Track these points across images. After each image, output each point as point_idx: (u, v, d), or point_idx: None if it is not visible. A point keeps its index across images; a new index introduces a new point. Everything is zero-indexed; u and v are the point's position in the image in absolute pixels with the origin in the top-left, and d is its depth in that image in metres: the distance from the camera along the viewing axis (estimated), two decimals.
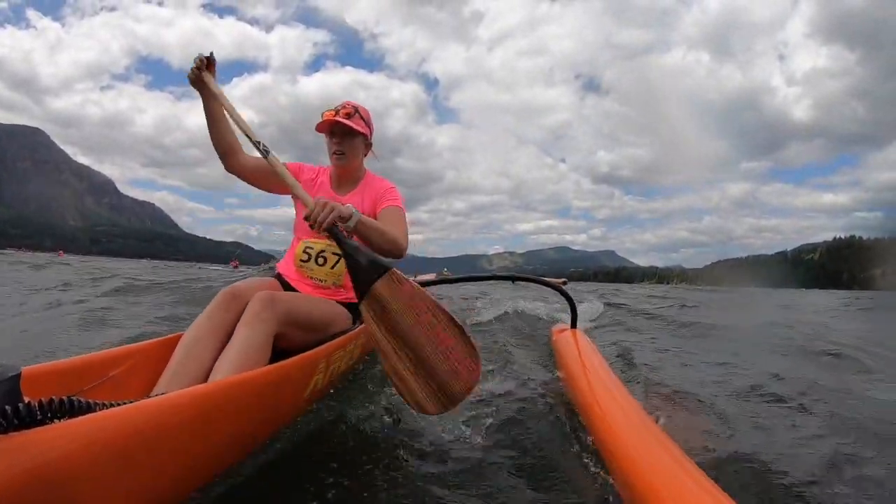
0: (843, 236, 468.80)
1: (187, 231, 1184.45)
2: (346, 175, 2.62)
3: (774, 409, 2.65)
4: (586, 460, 1.84)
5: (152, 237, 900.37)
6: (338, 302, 2.49)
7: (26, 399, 0.97)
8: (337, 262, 2.49)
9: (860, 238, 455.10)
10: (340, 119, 2.43)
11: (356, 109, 2.51)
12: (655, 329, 6.67)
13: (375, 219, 2.43)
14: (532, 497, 1.60)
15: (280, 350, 2.02)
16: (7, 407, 0.91)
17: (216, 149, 2.41)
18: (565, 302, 3.65)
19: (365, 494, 1.53)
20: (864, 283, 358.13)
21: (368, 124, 2.58)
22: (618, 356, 3.96)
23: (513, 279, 3.76)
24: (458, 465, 1.77)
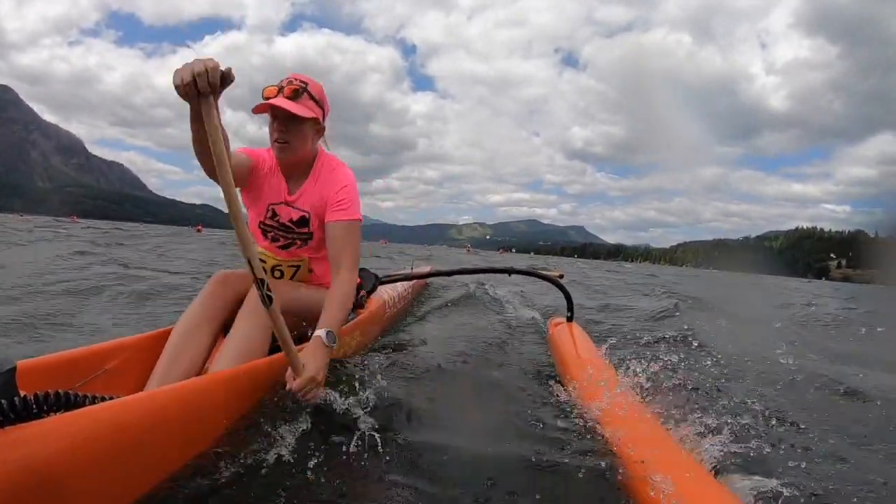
0: (805, 226, 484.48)
1: (156, 193, 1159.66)
2: (295, 166, 2.21)
3: (770, 397, 2.73)
4: (583, 451, 1.81)
5: (121, 199, 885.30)
6: None
7: (22, 393, 0.98)
8: (294, 273, 2.32)
9: (821, 230, 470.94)
10: (281, 103, 1.97)
11: (305, 86, 2.06)
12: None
13: (322, 227, 2.20)
14: (530, 490, 1.58)
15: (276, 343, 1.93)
16: (3, 401, 0.92)
17: (203, 165, 1.74)
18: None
19: (360, 486, 1.53)
20: (818, 272, 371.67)
21: (320, 104, 2.13)
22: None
23: (509, 272, 3.80)
24: (453, 459, 1.75)
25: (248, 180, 2.19)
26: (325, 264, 2.32)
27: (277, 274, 2.29)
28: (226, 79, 1.38)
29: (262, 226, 2.27)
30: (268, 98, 2.01)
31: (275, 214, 2.24)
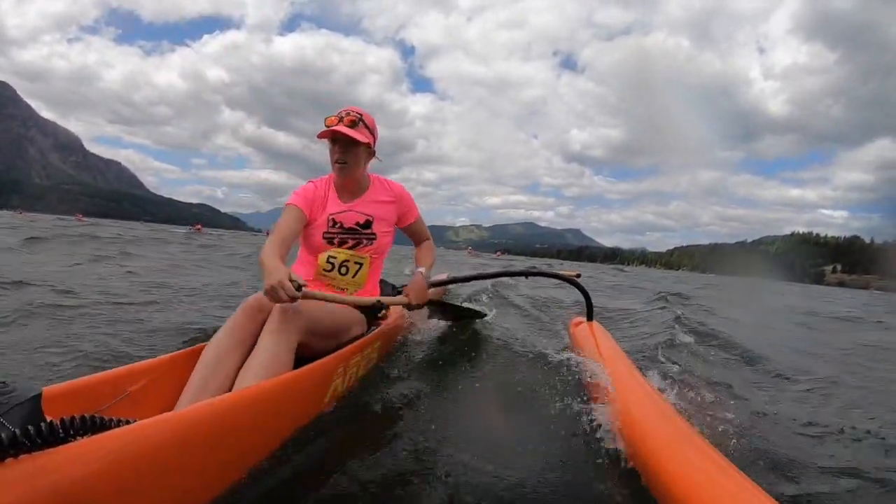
0: (802, 231, 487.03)
1: (153, 191, 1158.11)
2: (350, 184, 2.58)
3: (795, 393, 2.80)
4: (607, 450, 1.83)
5: (119, 197, 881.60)
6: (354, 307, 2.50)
7: (48, 418, 0.98)
8: (358, 270, 2.56)
9: (817, 235, 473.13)
10: (343, 129, 2.36)
11: (360, 117, 2.44)
12: None
13: (403, 227, 2.81)
14: (552, 490, 1.60)
15: (299, 356, 2.05)
16: (30, 427, 0.92)
17: None
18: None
19: (382, 494, 1.53)
20: (814, 277, 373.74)
21: (373, 132, 2.52)
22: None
23: (526, 274, 3.85)
24: (474, 461, 1.76)
25: (306, 224, 2.55)
26: (377, 272, 2.76)
27: (344, 270, 2.57)
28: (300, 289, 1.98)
29: (326, 236, 2.55)
30: (330, 126, 2.39)
31: (335, 223, 2.56)
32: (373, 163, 2.66)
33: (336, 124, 2.38)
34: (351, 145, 2.43)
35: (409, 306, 2.68)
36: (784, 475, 1.84)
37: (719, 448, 1.46)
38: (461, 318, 3.88)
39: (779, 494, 1.34)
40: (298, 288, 1.96)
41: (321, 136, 2.43)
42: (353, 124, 2.40)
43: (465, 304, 4.36)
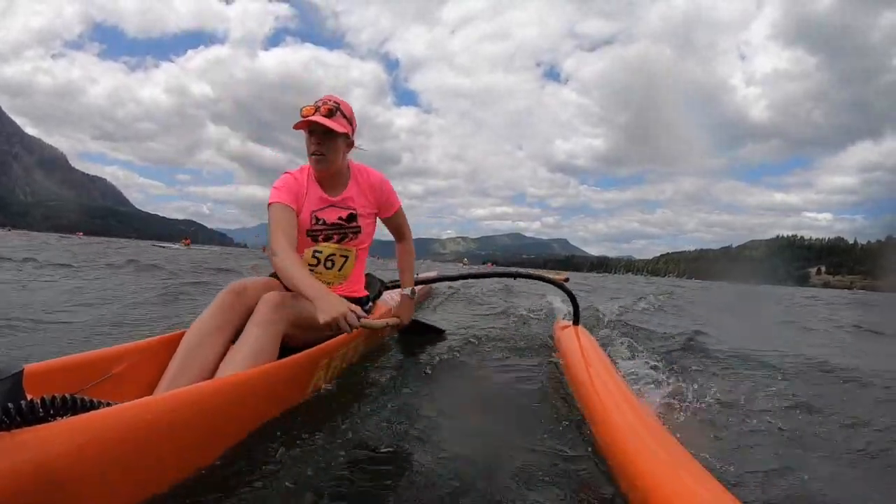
0: (786, 235, 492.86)
1: (139, 208, 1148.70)
2: (330, 177, 2.48)
3: (774, 401, 2.72)
4: (587, 456, 1.83)
5: (105, 214, 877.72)
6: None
7: (29, 396, 0.98)
8: (343, 263, 2.53)
9: (801, 238, 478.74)
10: (319, 119, 2.27)
11: (338, 106, 2.35)
12: None
13: (383, 219, 2.74)
14: (531, 493, 1.59)
15: (283, 347, 2.04)
16: (10, 404, 0.92)
17: None
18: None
19: (354, 488, 1.51)
20: (798, 279, 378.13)
21: (351, 122, 2.43)
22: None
23: (515, 275, 3.87)
24: (455, 462, 1.74)
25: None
26: (362, 263, 2.70)
27: (329, 264, 2.53)
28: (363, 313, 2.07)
29: (310, 233, 2.48)
30: (306, 116, 2.28)
31: (318, 220, 2.48)
32: (354, 151, 2.57)
33: (312, 114, 2.28)
34: (328, 136, 2.33)
35: (399, 326, 2.86)
36: (750, 479, 1.78)
37: (697, 456, 1.48)
38: (423, 334, 3.79)
39: (743, 497, 1.27)
40: (358, 318, 1.97)
41: (297, 126, 2.34)
42: (329, 113, 2.30)
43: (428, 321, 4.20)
